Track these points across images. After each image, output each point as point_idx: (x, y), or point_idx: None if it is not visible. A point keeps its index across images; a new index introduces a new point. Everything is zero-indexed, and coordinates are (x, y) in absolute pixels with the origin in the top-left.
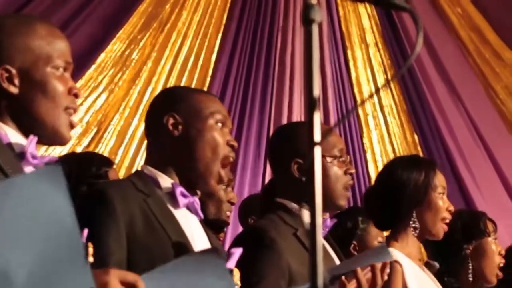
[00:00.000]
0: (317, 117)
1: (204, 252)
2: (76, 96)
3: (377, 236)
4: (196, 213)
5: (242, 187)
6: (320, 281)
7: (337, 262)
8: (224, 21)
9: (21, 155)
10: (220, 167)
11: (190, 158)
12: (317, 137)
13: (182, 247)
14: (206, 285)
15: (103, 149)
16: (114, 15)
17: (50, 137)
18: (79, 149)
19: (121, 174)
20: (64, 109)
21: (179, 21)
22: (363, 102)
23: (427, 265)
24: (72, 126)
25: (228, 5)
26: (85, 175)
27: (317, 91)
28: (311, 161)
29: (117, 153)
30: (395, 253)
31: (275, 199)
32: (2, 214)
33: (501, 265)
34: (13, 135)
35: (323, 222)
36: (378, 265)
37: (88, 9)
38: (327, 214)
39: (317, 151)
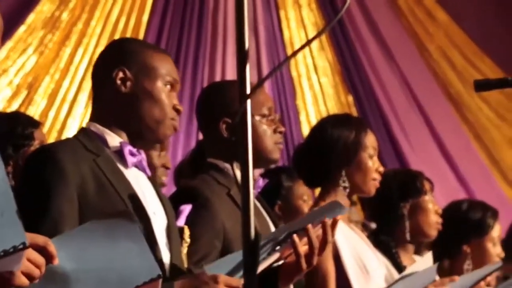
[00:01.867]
0: (247, 71)
1: (115, 215)
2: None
3: (302, 195)
4: (144, 171)
5: (175, 150)
6: (252, 234)
7: (269, 222)
8: None
9: None
10: (171, 120)
11: (136, 114)
12: (247, 90)
13: (134, 207)
14: (118, 248)
15: (34, 111)
16: None
17: None
18: None
19: (52, 136)
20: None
21: None
22: (294, 53)
23: (364, 226)
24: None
25: None
26: (10, 135)
27: (247, 44)
28: (242, 114)
29: (47, 116)
30: None
31: (206, 160)
32: None
33: (439, 224)
34: None
35: (254, 182)
36: (329, 222)
37: None
38: (258, 175)
39: (248, 104)
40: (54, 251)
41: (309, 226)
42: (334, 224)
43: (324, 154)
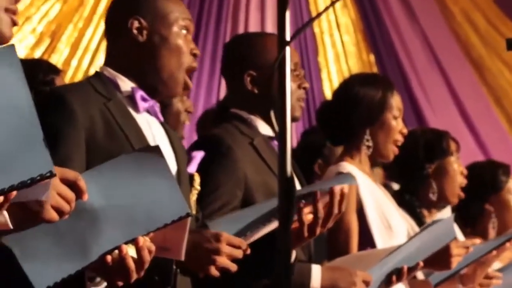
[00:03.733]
0: (288, 16)
1: (143, 150)
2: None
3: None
4: (156, 116)
5: (196, 106)
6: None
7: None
8: None
9: None
10: (185, 75)
11: (155, 66)
12: (287, 36)
13: None
14: (146, 182)
15: (57, 59)
16: None
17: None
18: None
19: None
20: (4, 10)
21: None
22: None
23: (385, 187)
24: (14, 24)
25: None
26: (32, 81)
27: None
28: (281, 60)
29: (70, 64)
30: (350, 168)
31: (230, 110)
32: None
33: (463, 185)
34: None
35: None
36: (337, 191)
37: None
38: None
39: (287, 51)
40: (84, 186)
41: (317, 192)
42: (342, 198)
43: (349, 112)
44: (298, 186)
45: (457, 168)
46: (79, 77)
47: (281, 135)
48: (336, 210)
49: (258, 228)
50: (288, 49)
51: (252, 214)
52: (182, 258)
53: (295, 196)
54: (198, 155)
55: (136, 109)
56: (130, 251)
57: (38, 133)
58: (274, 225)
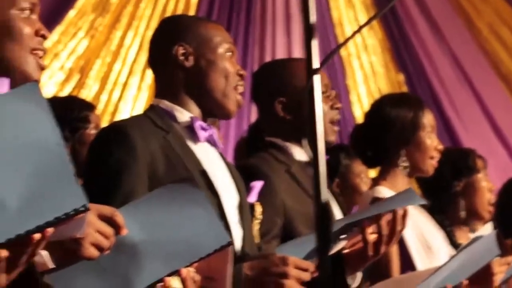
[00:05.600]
0: (315, 44)
1: (178, 182)
2: (43, 37)
3: (360, 173)
4: (215, 145)
5: (227, 132)
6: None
7: (330, 198)
8: None
9: None
10: (236, 93)
11: (205, 89)
12: (315, 64)
13: (204, 183)
14: (185, 216)
15: (86, 95)
16: None
17: (20, 79)
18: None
19: (105, 120)
20: (31, 51)
21: None
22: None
23: (422, 204)
24: (41, 68)
25: None
26: (66, 118)
27: (314, 17)
28: (310, 88)
29: (100, 99)
30: (385, 192)
31: (265, 138)
32: None
33: (492, 201)
34: None
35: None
36: (400, 212)
37: None
38: None
39: (316, 78)
40: (122, 221)
41: (382, 214)
42: (405, 214)
43: (383, 134)
44: (337, 212)
45: (485, 185)
46: (109, 111)
47: (314, 162)
48: (399, 227)
49: None
50: (317, 77)
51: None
52: (228, 287)
53: (331, 221)
54: (258, 185)
55: (195, 139)
56: (175, 283)
57: (68, 168)
58: (341, 245)
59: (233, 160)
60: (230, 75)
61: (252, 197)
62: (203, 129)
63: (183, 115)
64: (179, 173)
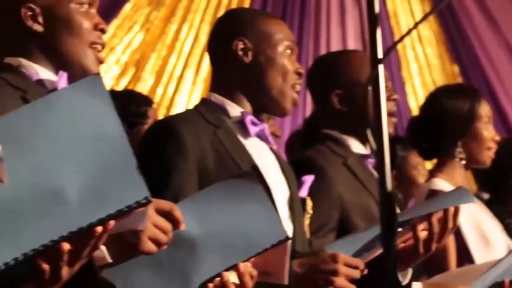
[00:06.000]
0: (379, 34)
1: (238, 176)
2: (102, 31)
3: (416, 165)
4: (267, 141)
5: (282, 126)
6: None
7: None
8: None
9: (53, 91)
10: (293, 92)
11: (263, 85)
12: (379, 54)
13: None
14: (243, 210)
15: (142, 88)
16: None
17: (79, 73)
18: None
19: (161, 113)
20: (90, 45)
21: None
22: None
23: (476, 197)
24: (100, 61)
25: None
26: (124, 114)
27: (377, 7)
28: (375, 78)
29: (155, 93)
30: (442, 184)
31: (321, 130)
32: (47, 131)
33: None
34: (44, 73)
35: (370, 156)
36: (452, 210)
37: None
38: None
39: (381, 68)
40: (180, 216)
41: (433, 213)
42: (456, 212)
43: (439, 126)
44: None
45: None
46: (165, 105)
47: (379, 153)
48: (451, 225)
49: (374, 248)
50: (381, 67)
51: (368, 234)
52: (286, 282)
53: (396, 214)
54: (309, 179)
55: (246, 134)
56: (232, 277)
57: (131, 160)
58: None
59: (285, 153)
60: (288, 73)
61: (303, 192)
62: (254, 124)
63: (234, 109)
64: (229, 168)
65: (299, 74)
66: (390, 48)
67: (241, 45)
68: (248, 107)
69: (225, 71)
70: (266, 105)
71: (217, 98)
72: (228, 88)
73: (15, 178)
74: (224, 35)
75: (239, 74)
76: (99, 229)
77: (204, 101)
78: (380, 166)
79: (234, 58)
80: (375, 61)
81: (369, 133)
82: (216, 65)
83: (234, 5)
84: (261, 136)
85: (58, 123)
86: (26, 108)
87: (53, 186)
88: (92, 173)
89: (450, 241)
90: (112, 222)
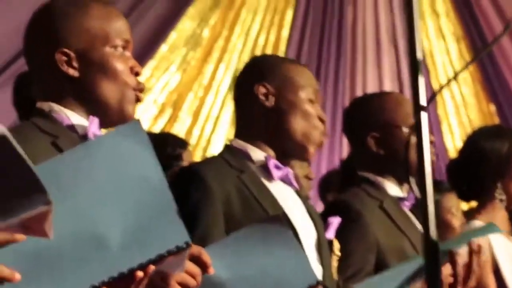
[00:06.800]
0: (422, 81)
1: (266, 221)
2: (137, 74)
3: (450, 208)
4: (291, 184)
5: (319, 166)
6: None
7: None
8: None
9: (85, 137)
10: (318, 134)
11: (286, 130)
12: (422, 101)
13: None
14: (272, 254)
15: (179, 129)
16: None
17: (115, 116)
18: (155, 131)
19: (198, 154)
20: (127, 87)
21: None
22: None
23: None
24: (137, 100)
25: None
26: (160, 156)
27: (420, 54)
28: (417, 126)
29: (192, 133)
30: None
31: (357, 173)
32: (88, 177)
33: None
34: (75, 117)
35: (408, 196)
36: (475, 247)
37: None
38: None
39: (424, 116)
40: (209, 260)
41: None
42: (479, 249)
43: (478, 168)
44: None
45: None
46: (202, 145)
47: (423, 201)
48: (476, 268)
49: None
50: (425, 114)
51: (395, 276)
52: None
53: (439, 263)
54: (335, 221)
55: (270, 178)
56: None
57: (171, 204)
58: (417, 286)
59: (319, 192)
60: (310, 118)
61: (330, 234)
62: (278, 168)
63: (257, 154)
64: (255, 211)
65: (322, 120)
66: (433, 96)
67: (263, 90)
68: (271, 152)
69: (248, 116)
70: (288, 149)
71: (239, 143)
72: (251, 134)
73: (57, 224)
74: (246, 80)
75: (261, 119)
76: (140, 273)
77: (227, 147)
78: (424, 214)
79: (256, 102)
80: (418, 109)
81: (412, 181)
82: (239, 110)
83: (270, 45)
84: (285, 180)
85: (99, 169)
86: (68, 154)
87: (95, 232)
88: (132, 217)
89: (490, 280)
90: (152, 267)
